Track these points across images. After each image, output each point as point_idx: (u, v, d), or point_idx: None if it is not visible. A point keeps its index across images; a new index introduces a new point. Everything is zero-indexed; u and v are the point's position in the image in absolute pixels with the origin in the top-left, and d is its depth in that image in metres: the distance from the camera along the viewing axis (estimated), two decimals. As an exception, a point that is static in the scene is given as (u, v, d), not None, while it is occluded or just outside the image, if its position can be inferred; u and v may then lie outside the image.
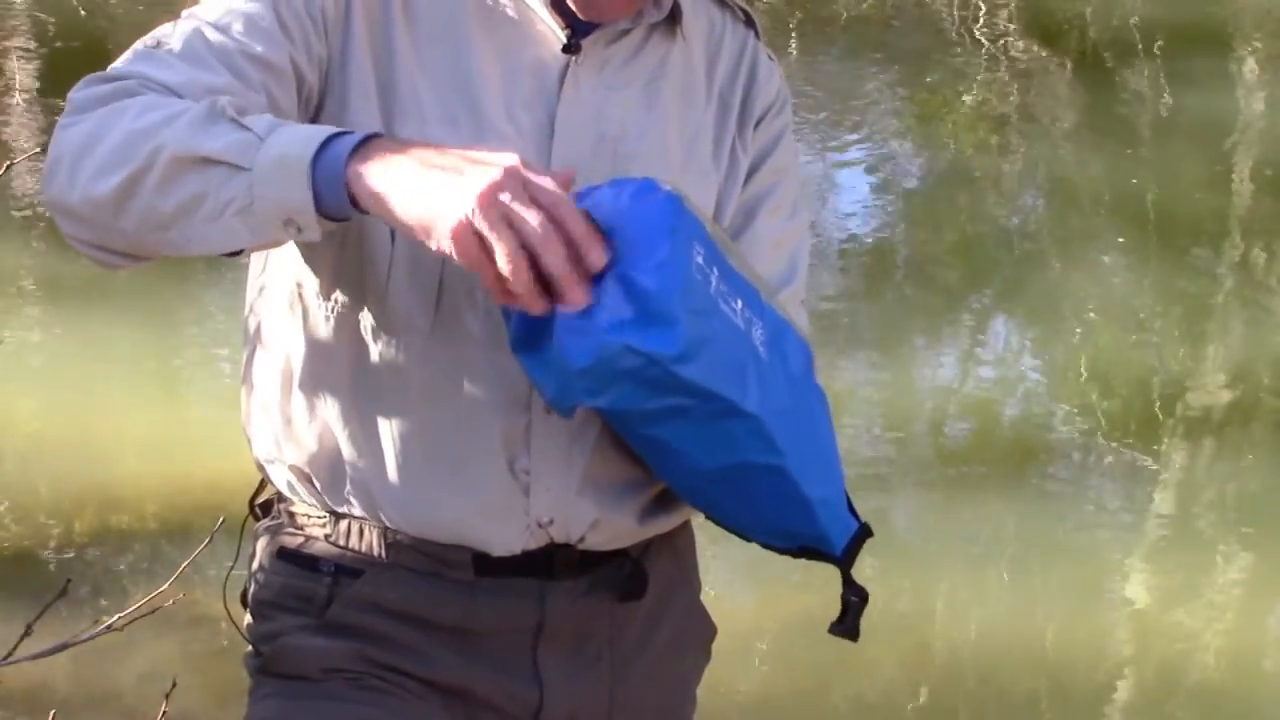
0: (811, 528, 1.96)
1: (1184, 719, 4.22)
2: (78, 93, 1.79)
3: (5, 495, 4.72)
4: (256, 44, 1.83)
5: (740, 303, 1.80)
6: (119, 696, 4.00)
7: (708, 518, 2.01)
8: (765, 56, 2.09)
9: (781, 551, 2.01)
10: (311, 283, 1.96)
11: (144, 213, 1.72)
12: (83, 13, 8.66)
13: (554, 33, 1.95)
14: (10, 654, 2.67)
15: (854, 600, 2.01)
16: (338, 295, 1.94)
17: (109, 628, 2.74)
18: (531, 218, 1.64)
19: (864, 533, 2.01)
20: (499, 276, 1.64)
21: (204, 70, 1.80)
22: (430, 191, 1.65)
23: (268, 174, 1.68)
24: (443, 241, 1.64)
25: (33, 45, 8.39)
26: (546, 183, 1.66)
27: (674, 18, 2.01)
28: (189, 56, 1.81)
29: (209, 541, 2.79)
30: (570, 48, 1.94)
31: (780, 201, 2.07)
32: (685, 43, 2.02)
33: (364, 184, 1.67)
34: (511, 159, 1.66)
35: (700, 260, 1.75)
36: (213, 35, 1.83)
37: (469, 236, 1.63)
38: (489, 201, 1.63)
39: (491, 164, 1.66)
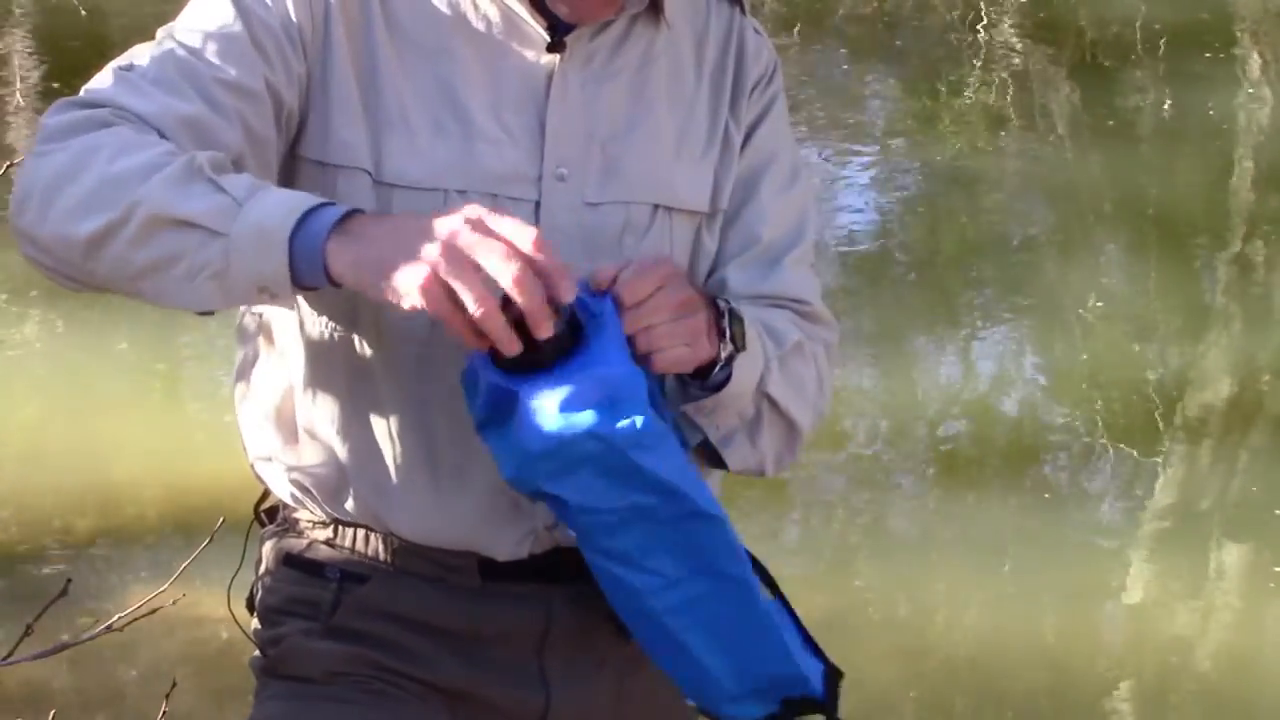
0: (785, 662, 1.90)
1: (1184, 719, 4.22)
2: (51, 119, 1.78)
3: (6, 495, 4.72)
4: (230, 68, 1.82)
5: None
6: (119, 696, 4.00)
7: (678, 684, 1.94)
8: (752, 30, 2.08)
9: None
10: (307, 291, 1.96)
11: (116, 262, 1.72)
12: (83, 13, 8.66)
13: (537, 33, 1.94)
14: (10, 654, 2.67)
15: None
16: (333, 304, 1.94)
17: (109, 628, 2.74)
18: (496, 256, 1.65)
19: (835, 672, 1.94)
20: (470, 322, 1.65)
21: (177, 98, 1.79)
22: (396, 254, 1.66)
23: (245, 242, 1.68)
24: (412, 297, 1.64)
25: (33, 45, 8.39)
26: (508, 221, 1.68)
27: (656, 5, 2.00)
28: (162, 82, 1.80)
29: (209, 542, 2.78)
30: (555, 46, 1.94)
31: (779, 171, 2.06)
32: (670, 29, 2.01)
33: (340, 261, 1.68)
34: (473, 208, 1.68)
35: None
36: (186, 60, 1.82)
37: (435, 287, 1.64)
38: (449, 248, 1.64)
39: (453, 214, 1.68)
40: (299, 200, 1.70)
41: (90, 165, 1.72)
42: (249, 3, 1.86)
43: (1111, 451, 5.22)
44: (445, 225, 1.66)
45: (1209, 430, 5.38)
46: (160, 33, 1.87)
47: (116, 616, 2.73)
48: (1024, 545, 4.77)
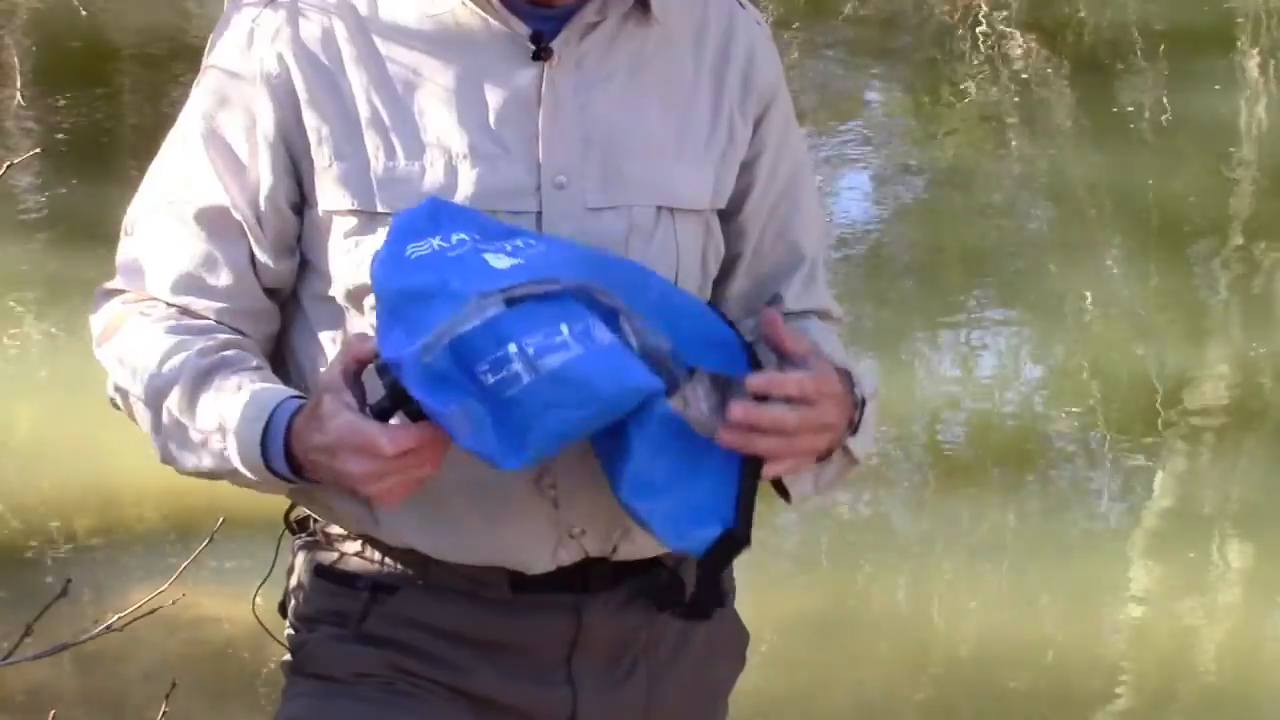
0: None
1: (1184, 719, 4.22)
2: (93, 315, 2.07)
3: (5, 495, 4.72)
4: (229, 248, 1.95)
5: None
6: (119, 696, 4.00)
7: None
8: (754, 22, 2.04)
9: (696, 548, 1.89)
10: (326, 306, 1.96)
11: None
12: (83, 13, 8.65)
13: (521, 42, 1.92)
14: (10, 654, 2.66)
15: (716, 593, 1.98)
16: (349, 313, 1.94)
17: (109, 628, 2.74)
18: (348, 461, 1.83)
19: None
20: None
21: (183, 269, 1.95)
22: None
23: (251, 476, 1.91)
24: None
25: (33, 45, 8.39)
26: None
27: (644, 4, 1.96)
28: (168, 258, 1.96)
29: (209, 541, 2.78)
30: (542, 54, 1.92)
31: (807, 179, 2.09)
32: (663, 25, 1.97)
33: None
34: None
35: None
36: (184, 237, 1.96)
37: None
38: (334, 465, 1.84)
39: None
40: (256, 444, 1.88)
41: (128, 387, 2.03)
42: (228, 169, 1.94)
43: (1111, 451, 5.21)
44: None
45: (1209, 430, 5.38)
46: (146, 185, 1.99)
47: (116, 616, 2.73)
48: (1024, 545, 4.77)
